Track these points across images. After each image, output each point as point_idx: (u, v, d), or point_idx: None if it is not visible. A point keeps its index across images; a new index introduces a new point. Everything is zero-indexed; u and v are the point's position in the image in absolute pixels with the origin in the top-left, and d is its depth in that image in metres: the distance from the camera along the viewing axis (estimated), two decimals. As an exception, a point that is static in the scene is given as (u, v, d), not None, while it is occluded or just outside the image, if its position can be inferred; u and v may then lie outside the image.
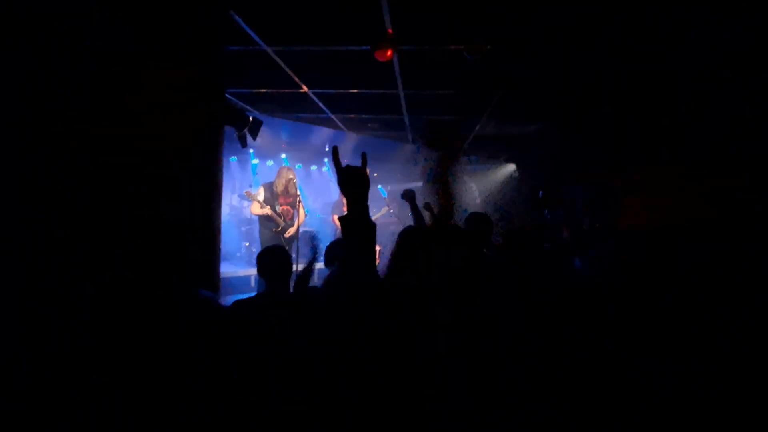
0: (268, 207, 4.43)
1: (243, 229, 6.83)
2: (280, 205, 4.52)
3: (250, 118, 3.42)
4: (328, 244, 2.63)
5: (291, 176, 4.51)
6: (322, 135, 6.44)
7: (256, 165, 7.92)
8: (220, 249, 2.58)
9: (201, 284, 2.32)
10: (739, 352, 1.38)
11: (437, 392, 1.26)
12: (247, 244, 6.61)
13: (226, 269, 5.97)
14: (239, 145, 3.60)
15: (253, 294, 2.27)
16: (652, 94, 3.27)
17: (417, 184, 8.57)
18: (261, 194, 4.48)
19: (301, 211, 4.67)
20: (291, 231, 4.54)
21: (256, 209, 4.46)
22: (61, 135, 1.80)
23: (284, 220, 4.53)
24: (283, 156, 7.88)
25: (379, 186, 7.78)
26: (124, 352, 1.19)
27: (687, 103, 3.37)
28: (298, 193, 4.60)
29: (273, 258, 2.16)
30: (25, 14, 1.71)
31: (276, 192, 4.49)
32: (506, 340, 1.52)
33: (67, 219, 1.79)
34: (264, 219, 4.52)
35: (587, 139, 4.91)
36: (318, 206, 8.53)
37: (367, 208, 1.12)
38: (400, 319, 1.26)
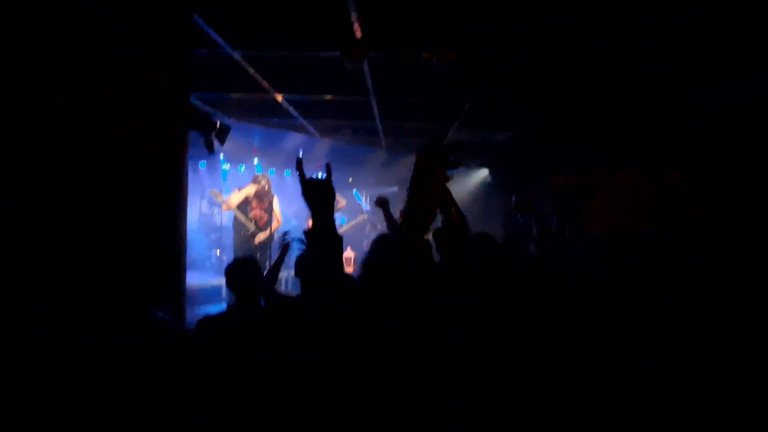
0: (237, 203, 4.35)
1: (213, 236, 6.63)
2: (252, 209, 4.44)
3: (218, 123, 3.31)
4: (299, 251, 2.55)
5: (264, 182, 4.44)
6: (295, 140, 6.34)
7: (226, 171, 7.71)
8: (185, 258, 2.48)
9: (164, 296, 2.24)
10: (738, 352, 1.41)
11: (437, 392, 1.26)
12: (218, 252, 6.42)
13: (195, 279, 5.75)
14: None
15: (223, 305, 2.18)
16: (624, 101, 3.38)
17: (392, 189, 8.58)
18: (233, 195, 4.41)
19: (278, 217, 4.60)
20: (262, 237, 4.43)
21: (232, 202, 4.36)
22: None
23: (256, 225, 4.42)
24: (256, 162, 7.72)
25: (355, 190, 7.73)
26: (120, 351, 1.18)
27: (661, 106, 3.49)
28: (273, 198, 4.52)
29: (241, 271, 2.07)
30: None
31: (249, 196, 4.42)
32: (505, 340, 1.53)
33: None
34: (237, 223, 4.43)
35: (555, 144, 5.05)
36: (291, 212, 8.39)
37: (332, 221, 1.09)
38: (381, 323, 1.25)
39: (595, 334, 1.56)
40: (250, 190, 4.42)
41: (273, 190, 4.60)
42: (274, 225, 4.55)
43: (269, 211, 4.48)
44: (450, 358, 1.34)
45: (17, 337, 1.58)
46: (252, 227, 4.41)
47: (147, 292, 2.08)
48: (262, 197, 4.44)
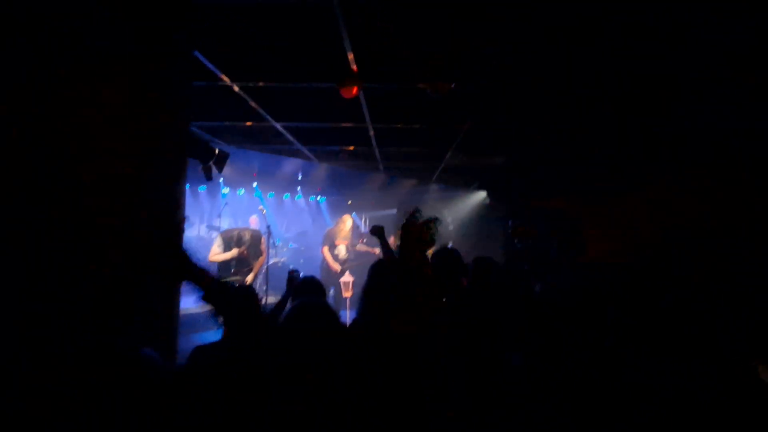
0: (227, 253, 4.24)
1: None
2: (235, 263, 4.33)
3: (216, 151, 3.36)
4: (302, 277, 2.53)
5: (246, 239, 4.32)
6: (294, 163, 6.41)
7: (225, 194, 7.76)
8: (180, 284, 2.47)
9: (156, 324, 2.21)
10: (738, 352, 1.40)
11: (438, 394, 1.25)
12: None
13: (191, 305, 5.70)
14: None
15: (218, 333, 2.13)
16: (620, 123, 3.41)
17: (391, 212, 8.61)
18: (218, 254, 4.28)
19: (263, 255, 4.50)
20: (250, 278, 4.35)
21: (215, 258, 4.26)
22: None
23: (240, 274, 4.32)
24: (254, 185, 7.78)
25: (354, 213, 7.73)
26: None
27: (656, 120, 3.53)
28: (261, 240, 4.46)
29: (236, 299, 2.06)
30: None
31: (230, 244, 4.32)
32: (505, 342, 1.51)
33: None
34: (221, 269, 4.31)
35: (552, 167, 5.10)
36: (291, 236, 8.39)
37: None
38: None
39: (595, 334, 1.56)
40: (234, 253, 4.30)
41: (263, 229, 4.53)
42: (258, 263, 4.45)
43: (252, 248, 4.35)
44: (450, 360, 1.36)
45: (17, 336, 1.59)
46: (237, 281, 4.26)
47: (138, 320, 2.07)
48: (241, 239, 4.31)
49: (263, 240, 4.55)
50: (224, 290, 2.08)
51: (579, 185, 5.56)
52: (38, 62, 1.82)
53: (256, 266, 4.48)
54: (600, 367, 1.41)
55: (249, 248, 4.35)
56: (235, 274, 4.38)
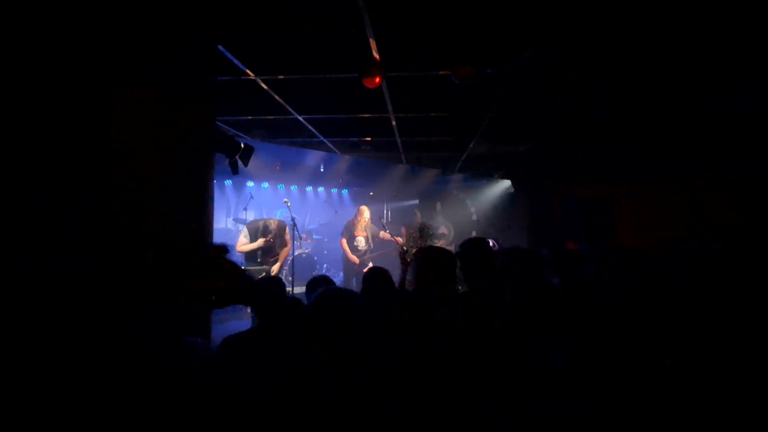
0: (254, 243, 4.37)
1: (237, 254, 6.77)
2: (262, 253, 4.46)
3: (242, 145, 3.42)
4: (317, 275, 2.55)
5: (273, 228, 4.44)
6: (316, 156, 6.45)
7: (251, 187, 7.92)
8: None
9: (191, 316, 2.29)
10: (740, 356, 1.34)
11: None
12: (244, 266, 6.55)
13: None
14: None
15: (248, 321, 2.19)
16: (645, 109, 3.29)
17: (413, 202, 8.57)
18: (245, 245, 4.43)
19: (288, 243, 4.58)
20: (276, 269, 4.46)
21: (242, 249, 4.42)
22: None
23: (267, 263, 4.45)
24: (280, 186, 7.90)
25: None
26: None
27: (680, 118, 3.38)
28: (285, 230, 4.54)
29: (265, 290, 2.10)
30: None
31: (257, 234, 4.45)
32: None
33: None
34: (248, 259, 4.45)
35: (578, 154, 4.93)
36: (314, 227, 8.49)
37: None
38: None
39: (597, 334, 1.51)
40: (260, 243, 4.42)
41: (288, 221, 4.63)
42: (282, 253, 4.54)
43: (278, 237, 4.46)
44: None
45: (19, 336, 1.59)
46: (264, 270, 4.40)
47: (175, 311, 2.15)
48: (271, 237, 4.43)
49: (288, 230, 4.64)
50: (255, 286, 2.14)
51: (610, 171, 5.36)
52: (64, 82, 1.88)
53: (282, 255, 4.58)
54: (602, 367, 1.37)
55: (275, 238, 4.45)
56: (261, 263, 4.50)
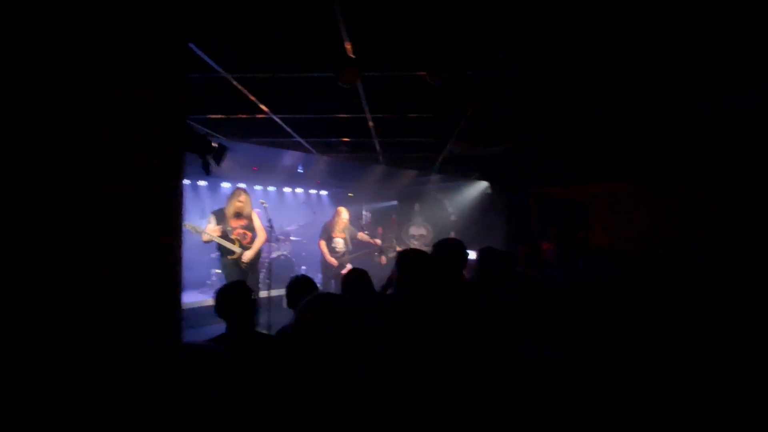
0: (218, 232, 4.25)
1: (213, 255, 6.59)
2: (234, 230, 4.32)
3: (214, 145, 3.32)
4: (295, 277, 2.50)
5: (242, 197, 4.34)
6: (294, 157, 6.37)
7: (226, 188, 7.74)
8: (181, 279, 2.47)
9: (159, 318, 2.21)
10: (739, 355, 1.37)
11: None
12: (218, 271, 6.38)
13: (195, 299, 5.72)
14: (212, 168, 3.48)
15: (222, 326, 2.14)
16: (623, 111, 3.35)
17: (392, 203, 8.57)
18: (212, 221, 4.31)
19: (260, 231, 4.46)
20: (249, 255, 4.32)
21: (206, 237, 4.28)
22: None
23: (241, 246, 4.34)
24: (257, 186, 7.74)
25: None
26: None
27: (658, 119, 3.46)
28: (253, 214, 4.44)
29: (231, 297, 2.03)
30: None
31: (227, 216, 4.31)
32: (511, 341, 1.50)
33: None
34: (222, 248, 4.35)
35: (553, 155, 5.05)
36: (292, 228, 8.36)
37: None
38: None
39: (596, 334, 1.54)
40: (229, 210, 4.31)
41: (252, 205, 4.52)
42: (258, 241, 4.44)
43: (251, 227, 4.38)
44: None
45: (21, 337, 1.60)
46: (238, 249, 4.30)
47: (143, 314, 2.07)
48: (241, 215, 4.33)
49: (258, 217, 4.53)
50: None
51: (585, 172, 5.49)
52: (31, 84, 1.81)
53: (256, 243, 4.39)
54: (602, 366, 1.39)
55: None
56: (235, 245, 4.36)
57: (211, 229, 4.24)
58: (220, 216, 4.33)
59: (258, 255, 4.48)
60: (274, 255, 6.30)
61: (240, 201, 4.31)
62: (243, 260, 4.30)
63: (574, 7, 1.83)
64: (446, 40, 2.20)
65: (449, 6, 1.86)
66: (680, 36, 2.07)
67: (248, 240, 4.36)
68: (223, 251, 4.35)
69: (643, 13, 1.88)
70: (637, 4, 1.79)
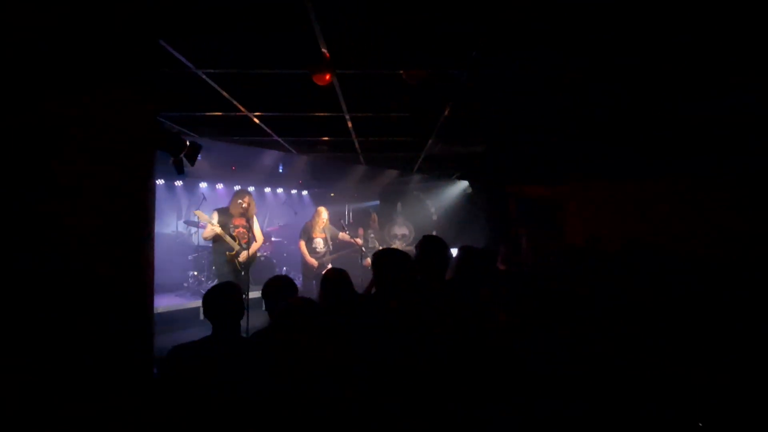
0: (221, 229, 4.30)
1: (190, 257, 6.44)
2: (236, 228, 4.38)
3: (187, 143, 3.23)
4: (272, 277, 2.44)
5: (247, 199, 4.40)
6: (274, 156, 6.28)
7: (203, 189, 7.58)
8: (153, 282, 2.40)
9: (129, 322, 2.14)
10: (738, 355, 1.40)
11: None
12: (195, 273, 6.23)
13: (172, 302, 5.57)
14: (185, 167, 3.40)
15: (199, 329, 2.10)
16: (603, 112, 3.36)
17: (374, 203, 8.55)
18: (215, 217, 4.35)
19: (258, 235, 4.53)
20: (245, 255, 4.36)
21: (209, 232, 4.31)
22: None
23: (239, 244, 4.35)
24: (237, 187, 7.62)
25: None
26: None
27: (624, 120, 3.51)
28: (254, 217, 4.50)
29: (221, 298, 1.97)
30: None
31: (231, 214, 4.38)
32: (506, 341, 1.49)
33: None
34: (217, 243, 4.35)
35: (531, 154, 5.11)
36: (273, 229, 8.25)
37: None
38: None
39: (594, 334, 1.55)
40: (234, 206, 4.39)
41: (254, 209, 4.57)
42: (256, 244, 4.48)
43: (249, 229, 4.42)
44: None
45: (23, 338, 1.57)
46: (237, 247, 4.33)
47: (111, 317, 1.99)
48: (244, 215, 4.40)
49: (255, 220, 4.62)
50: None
51: (560, 170, 5.58)
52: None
53: (254, 246, 4.43)
54: (602, 366, 1.40)
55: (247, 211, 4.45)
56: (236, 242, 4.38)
57: (216, 222, 4.31)
58: (223, 213, 4.41)
59: (253, 258, 4.52)
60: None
61: (245, 202, 4.38)
62: (240, 259, 4.32)
63: (574, 7, 1.82)
64: (424, 39, 2.18)
65: (449, 6, 1.83)
66: (680, 36, 2.08)
67: (245, 241, 4.40)
68: (220, 249, 4.35)
69: (643, 13, 1.87)
70: (637, 4, 1.79)
